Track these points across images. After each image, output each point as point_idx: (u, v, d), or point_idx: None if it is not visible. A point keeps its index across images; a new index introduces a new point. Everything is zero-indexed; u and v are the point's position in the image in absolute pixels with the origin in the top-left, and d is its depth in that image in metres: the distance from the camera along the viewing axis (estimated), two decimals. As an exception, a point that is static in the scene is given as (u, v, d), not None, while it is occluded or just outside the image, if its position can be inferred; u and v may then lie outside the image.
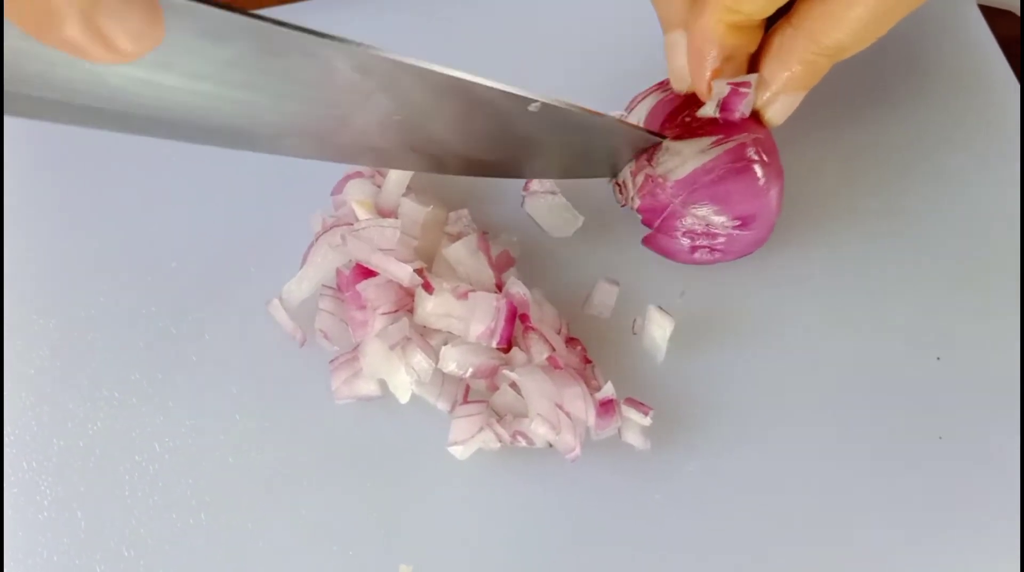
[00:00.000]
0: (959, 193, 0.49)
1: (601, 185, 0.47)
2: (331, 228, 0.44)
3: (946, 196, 0.49)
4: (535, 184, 0.47)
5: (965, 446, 0.44)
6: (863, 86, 0.51)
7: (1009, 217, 0.49)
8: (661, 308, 0.44)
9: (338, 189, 0.46)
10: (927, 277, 0.47)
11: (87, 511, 0.42)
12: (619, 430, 0.43)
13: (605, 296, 0.46)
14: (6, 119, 0.47)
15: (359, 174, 0.46)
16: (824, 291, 0.47)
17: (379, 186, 0.45)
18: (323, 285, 0.45)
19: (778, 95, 0.44)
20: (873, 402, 0.45)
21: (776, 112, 0.45)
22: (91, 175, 0.49)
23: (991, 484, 0.43)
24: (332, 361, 0.44)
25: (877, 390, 0.45)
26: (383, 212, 0.44)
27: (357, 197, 0.44)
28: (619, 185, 0.46)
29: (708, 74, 0.44)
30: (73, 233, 0.48)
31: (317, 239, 0.44)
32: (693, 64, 0.44)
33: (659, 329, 0.44)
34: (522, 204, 0.47)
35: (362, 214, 0.43)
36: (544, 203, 0.47)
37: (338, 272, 0.44)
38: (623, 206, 0.46)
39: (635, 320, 0.46)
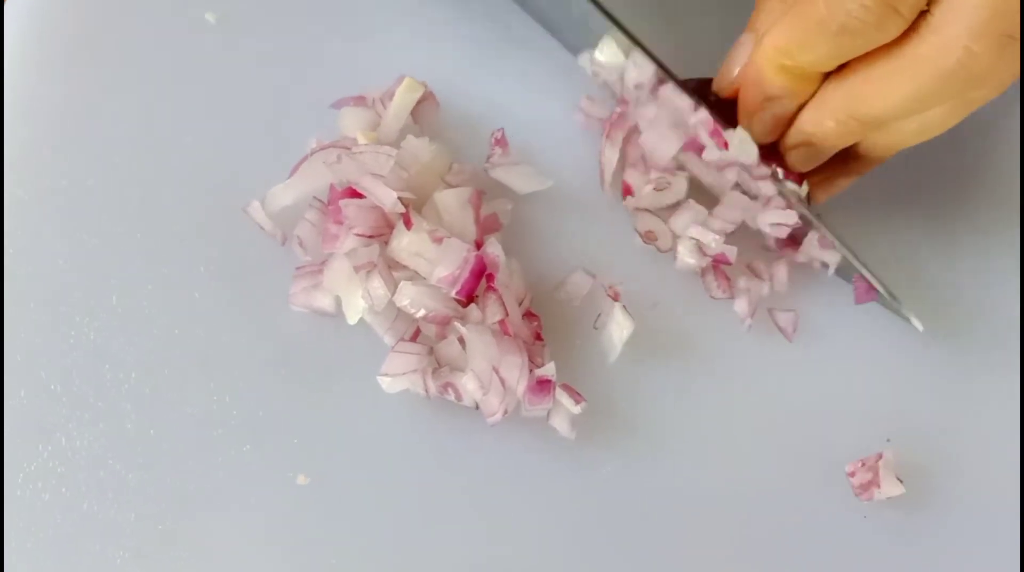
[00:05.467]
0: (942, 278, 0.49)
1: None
2: (328, 146, 0.45)
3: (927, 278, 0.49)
4: (496, 157, 0.47)
5: (890, 525, 0.44)
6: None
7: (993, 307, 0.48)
8: (625, 309, 0.44)
9: (339, 104, 0.47)
10: (891, 348, 0.47)
11: (28, 339, 0.43)
12: (548, 412, 0.43)
13: (578, 286, 0.46)
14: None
15: (361, 99, 0.47)
16: (790, 346, 0.47)
17: (379, 115, 0.46)
18: (314, 197, 0.46)
19: (803, 144, 0.44)
20: (808, 460, 0.45)
21: (796, 159, 0.45)
22: (101, 70, 0.49)
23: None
24: (299, 268, 0.45)
25: (815, 448, 0.45)
26: (382, 142, 0.45)
27: (355, 123, 0.45)
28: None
29: (747, 109, 0.44)
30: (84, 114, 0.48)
31: (311, 154, 0.45)
32: (741, 93, 0.44)
33: (618, 329, 0.44)
34: (487, 171, 0.47)
35: (362, 140, 0.44)
36: (507, 169, 0.47)
37: (331, 187, 0.45)
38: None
39: (599, 315, 0.46)
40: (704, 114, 0.45)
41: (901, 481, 0.43)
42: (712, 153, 0.45)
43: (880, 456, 0.44)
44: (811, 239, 0.46)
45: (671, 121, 0.46)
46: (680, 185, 0.47)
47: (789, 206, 0.45)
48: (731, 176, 0.46)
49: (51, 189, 0.46)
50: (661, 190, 0.47)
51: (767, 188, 0.45)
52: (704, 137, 0.45)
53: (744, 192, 0.46)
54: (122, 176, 0.47)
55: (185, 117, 0.48)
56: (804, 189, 0.45)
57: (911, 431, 0.45)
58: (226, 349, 0.44)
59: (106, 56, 0.49)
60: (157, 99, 0.48)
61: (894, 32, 0.39)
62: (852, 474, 0.44)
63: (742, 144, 0.44)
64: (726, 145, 0.44)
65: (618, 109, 0.48)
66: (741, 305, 0.46)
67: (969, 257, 0.49)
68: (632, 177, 0.47)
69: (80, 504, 0.41)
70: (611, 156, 0.47)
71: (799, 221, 0.45)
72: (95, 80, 0.48)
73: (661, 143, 0.46)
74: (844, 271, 0.47)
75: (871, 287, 0.46)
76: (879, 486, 0.43)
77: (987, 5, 0.37)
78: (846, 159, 0.45)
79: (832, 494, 0.44)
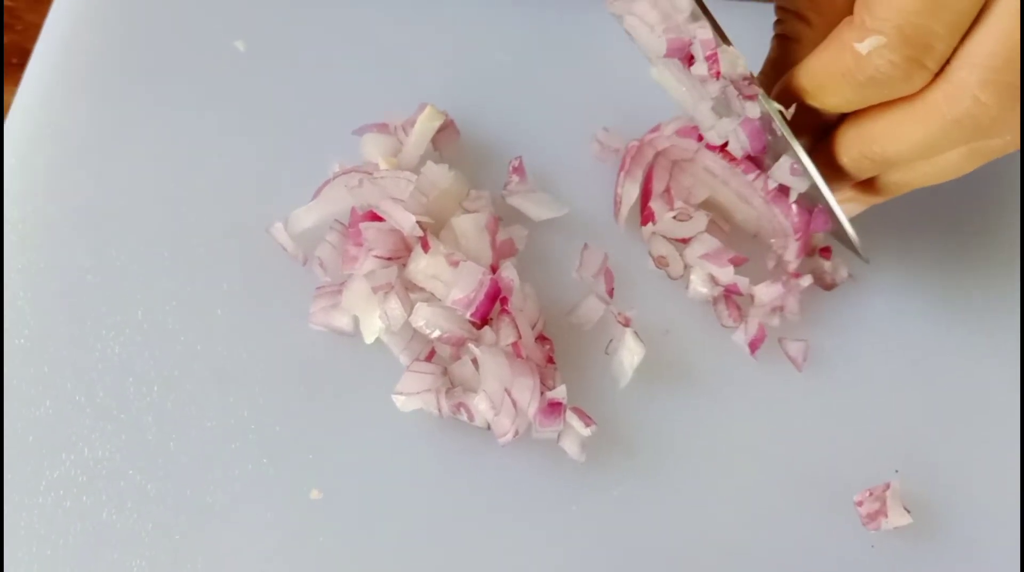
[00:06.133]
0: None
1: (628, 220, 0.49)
2: (350, 171, 0.46)
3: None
4: (514, 184, 0.49)
5: (897, 555, 0.44)
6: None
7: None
8: (637, 335, 0.45)
9: (361, 130, 0.49)
10: (900, 379, 0.47)
11: (55, 351, 0.44)
12: (559, 435, 0.44)
13: (591, 310, 0.47)
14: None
15: (384, 126, 0.49)
16: (800, 375, 0.47)
17: (400, 141, 0.48)
18: (336, 220, 0.47)
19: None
20: (817, 489, 0.45)
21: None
22: (131, 93, 0.51)
23: None
24: (319, 288, 0.46)
25: (823, 477, 0.45)
26: (402, 168, 0.46)
27: (376, 149, 0.46)
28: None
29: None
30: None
31: (334, 178, 0.46)
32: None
33: (629, 355, 0.45)
34: (504, 198, 0.49)
35: (384, 165, 0.46)
36: (524, 196, 0.49)
37: (352, 210, 0.47)
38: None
39: (611, 340, 0.46)
40: (707, 34, 0.43)
41: (908, 511, 0.43)
42: (700, 68, 0.44)
43: (888, 486, 0.44)
44: (783, 164, 0.45)
45: (663, 20, 0.44)
46: (700, 221, 0.48)
47: (769, 126, 0.44)
48: (713, 89, 0.44)
49: (81, 208, 0.48)
50: (682, 221, 0.48)
51: (752, 109, 0.44)
52: (699, 53, 0.44)
53: (725, 107, 0.45)
54: (150, 196, 0.48)
55: (213, 140, 0.50)
56: (791, 111, 0.43)
57: (919, 462, 0.45)
58: (246, 365, 0.45)
59: (138, 80, 0.51)
60: (186, 122, 0.50)
61: (919, 84, 0.39)
62: (860, 504, 0.44)
63: (734, 61, 0.43)
64: (719, 75, 0.43)
65: (636, 142, 0.49)
66: (740, 336, 0.47)
67: (977, 290, 0.50)
68: (657, 205, 0.48)
69: (100, 513, 0.42)
70: (631, 190, 0.48)
71: (771, 140, 0.44)
72: (126, 103, 0.50)
73: (694, 189, 0.48)
74: (808, 199, 0.46)
75: (830, 217, 0.45)
76: (887, 516, 0.43)
77: (999, 55, 0.37)
78: (861, 187, 0.46)
79: (840, 523, 0.44)
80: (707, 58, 0.43)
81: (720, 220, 0.49)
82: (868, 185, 0.46)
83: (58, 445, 0.43)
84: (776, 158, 0.45)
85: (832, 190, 0.45)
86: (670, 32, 0.44)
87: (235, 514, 0.42)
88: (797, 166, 0.44)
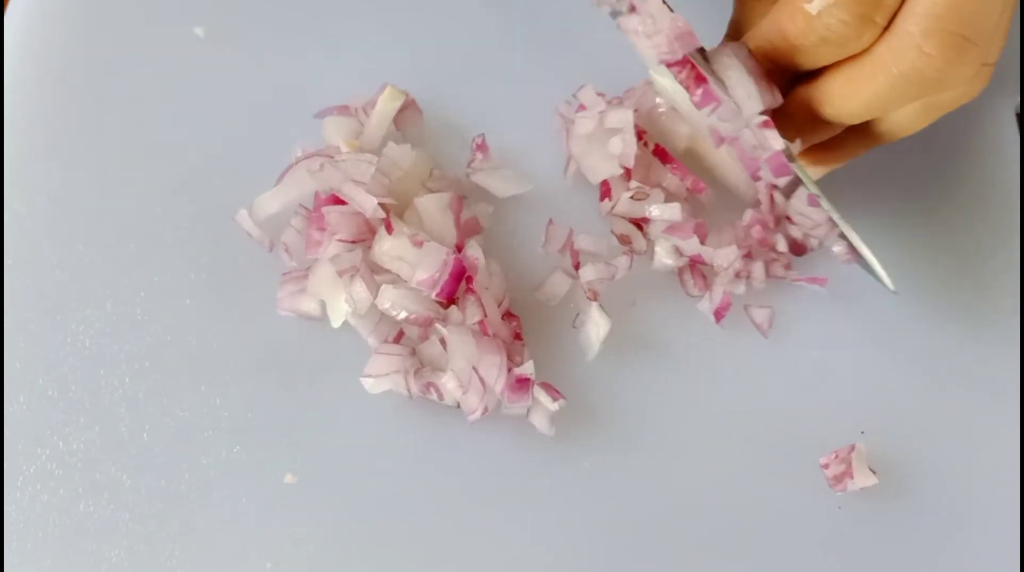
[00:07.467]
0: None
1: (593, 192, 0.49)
2: (312, 155, 0.46)
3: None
4: (477, 162, 0.49)
5: (864, 515, 0.45)
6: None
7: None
8: (602, 308, 0.45)
9: (323, 113, 0.49)
10: (864, 344, 0.48)
11: (26, 347, 0.45)
12: (528, 410, 0.44)
13: (558, 286, 0.47)
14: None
15: (345, 108, 0.49)
16: (766, 342, 0.48)
17: (361, 123, 0.48)
18: (300, 205, 0.47)
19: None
20: (784, 453, 0.46)
21: None
22: (93, 83, 0.51)
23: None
24: (285, 273, 0.46)
25: (791, 441, 0.46)
26: (365, 149, 0.46)
27: (338, 132, 0.46)
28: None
29: None
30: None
31: (296, 162, 0.46)
32: None
33: (595, 328, 0.45)
34: (468, 176, 0.49)
35: (344, 148, 0.46)
36: (488, 173, 0.48)
37: (316, 194, 0.47)
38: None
39: (577, 314, 0.47)
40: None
41: (874, 472, 0.44)
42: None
43: (853, 448, 0.45)
44: (800, 195, 0.45)
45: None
46: (657, 198, 0.48)
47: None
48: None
49: (46, 201, 0.48)
50: (639, 200, 0.48)
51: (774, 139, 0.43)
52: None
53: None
54: (115, 187, 0.48)
55: (175, 128, 0.50)
56: (797, 146, 0.44)
57: (885, 424, 0.46)
58: (216, 353, 0.45)
59: (99, 70, 0.50)
60: (148, 112, 0.50)
61: (870, 40, 0.40)
62: (826, 466, 0.45)
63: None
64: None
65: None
66: (705, 305, 0.47)
67: (957, 252, 0.50)
68: (614, 182, 0.48)
69: (77, 505, 0.42)
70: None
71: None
72: (88, 93, 0.50)
73: (599, 166, 0.48)
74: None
75: (852, 249, 0.46)
76: (852, 477, 0.44)
77: (940, 4, 0.38)
78: (819, 151, 0.46)
79: (807, 486, 0.45)
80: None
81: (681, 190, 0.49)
82: (828, 148, 0.46)
83: (33, 440, 0.43)
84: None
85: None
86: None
87: (211, 501, 0.43)
88: (813, 197, 0.45)
